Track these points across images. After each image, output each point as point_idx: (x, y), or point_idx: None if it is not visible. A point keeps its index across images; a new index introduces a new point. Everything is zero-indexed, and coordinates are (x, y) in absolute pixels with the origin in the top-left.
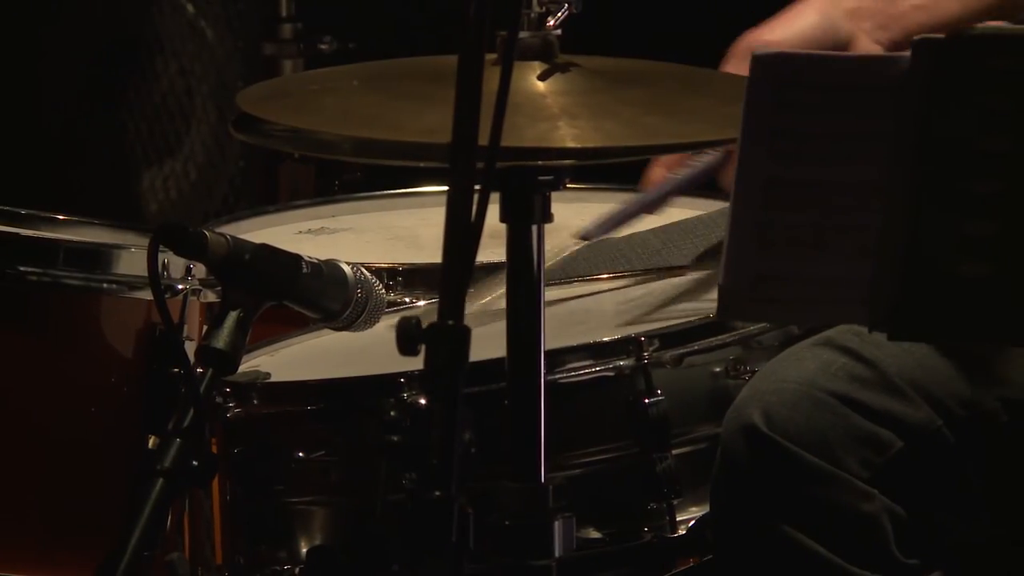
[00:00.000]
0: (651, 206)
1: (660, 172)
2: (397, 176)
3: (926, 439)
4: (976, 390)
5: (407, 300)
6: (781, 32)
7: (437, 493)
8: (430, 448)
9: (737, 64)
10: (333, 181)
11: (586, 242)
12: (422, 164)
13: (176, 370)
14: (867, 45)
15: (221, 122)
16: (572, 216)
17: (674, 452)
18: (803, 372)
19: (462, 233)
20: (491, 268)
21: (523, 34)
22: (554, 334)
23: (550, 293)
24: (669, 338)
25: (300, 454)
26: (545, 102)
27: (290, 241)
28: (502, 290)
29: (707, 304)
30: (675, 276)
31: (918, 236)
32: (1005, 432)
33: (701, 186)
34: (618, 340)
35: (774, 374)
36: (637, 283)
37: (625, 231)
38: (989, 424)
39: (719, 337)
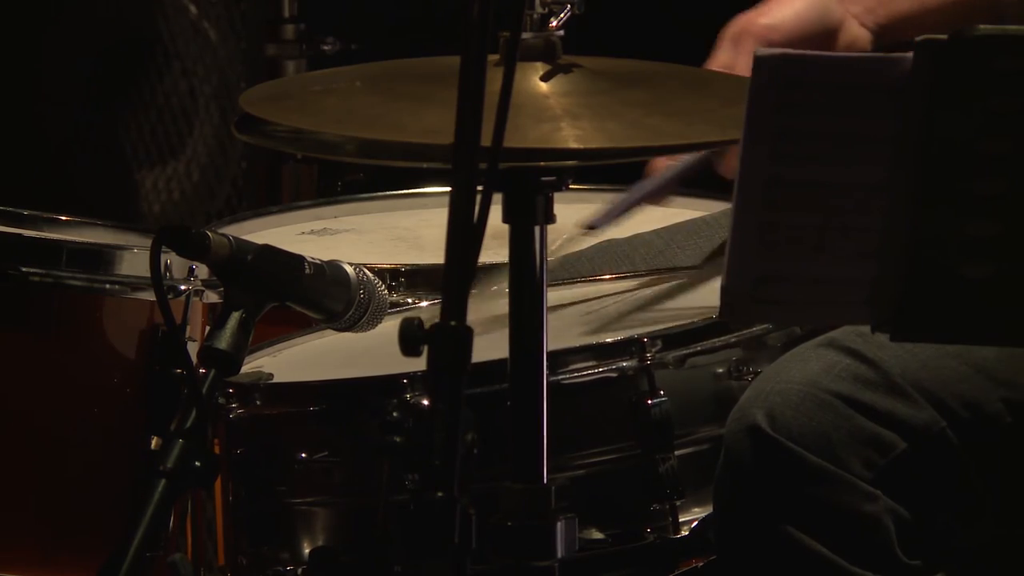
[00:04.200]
0: (654, 194)
1: (662, 161)
2: (400, 177)
3: (929, 440)
4: (979, 391)
5: (409, 301)
6: (773, 15)
7: (439, 494)
8: (432, 449)
9: (728, 48)
10: (335, 182)
11: (592, 231)
12: (425, 165)
13: (179, 371)
14: (855, 30)
15: (224, 123)
16: (574, 215)
17: (677, 453)
18: (806, 373)
19: (464, 234)
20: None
21: (526, 35)
22: (557, 334)
23: (552, 294)
24: (672, 339)
25: (302, 455)
26: (548, 103)
27: (292, 242)
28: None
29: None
30: (678, 277)
31: (921, 237)
32: (1008, 433)
33: (702, 173)
34: (621, 341)
35: (777, 375)
36: (640, 284)
37: (629, 230)
38: (992, 425)
39: (722, 338)
